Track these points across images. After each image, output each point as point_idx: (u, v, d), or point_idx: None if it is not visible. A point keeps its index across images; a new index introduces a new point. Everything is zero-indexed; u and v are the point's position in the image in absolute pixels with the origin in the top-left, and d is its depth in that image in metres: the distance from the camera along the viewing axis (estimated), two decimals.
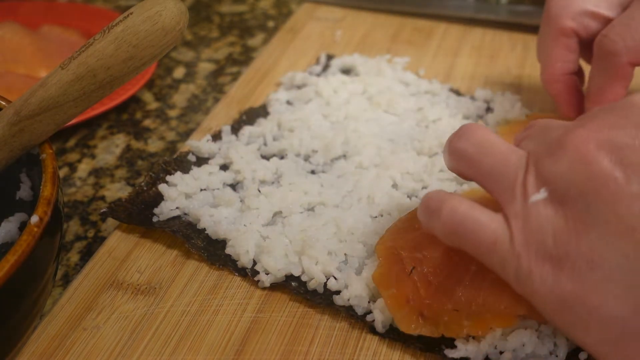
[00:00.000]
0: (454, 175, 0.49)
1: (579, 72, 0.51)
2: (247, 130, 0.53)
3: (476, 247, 0.33)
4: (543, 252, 0.31)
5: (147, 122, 0.60)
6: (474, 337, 0.37)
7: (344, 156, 0.51)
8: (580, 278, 0.30)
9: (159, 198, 0.47)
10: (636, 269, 0.29)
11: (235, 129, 0.54)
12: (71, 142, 0.58)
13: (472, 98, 0.58)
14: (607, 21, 0.47)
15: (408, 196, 0.47)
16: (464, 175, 0.37)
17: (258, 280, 0.42)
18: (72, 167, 0.55)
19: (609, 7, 0.47)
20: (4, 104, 0.39)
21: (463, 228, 0.33)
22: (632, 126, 0.30)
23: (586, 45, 0.49)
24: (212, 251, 0.43)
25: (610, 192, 0.29)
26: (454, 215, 0.34)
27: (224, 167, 0.50)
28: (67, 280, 0.44)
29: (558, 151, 0.32)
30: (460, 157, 0.36)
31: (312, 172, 0.50)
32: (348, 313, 0.39)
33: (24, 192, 0.40)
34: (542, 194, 0.32)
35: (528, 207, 0.32)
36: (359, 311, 0.39)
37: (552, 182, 0.32)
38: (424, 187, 0.48)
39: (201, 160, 0.51)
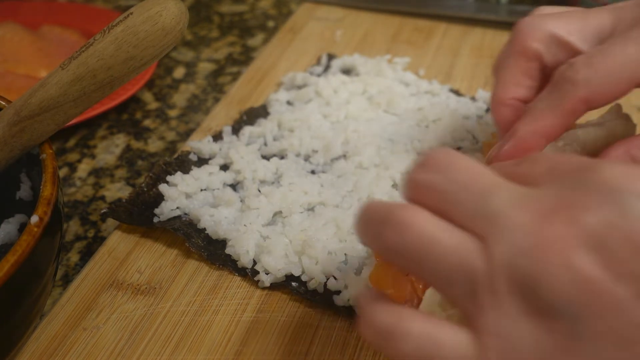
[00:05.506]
0: None
1: None
2: (247, 130, 0.53)
3: None
4: None
5: (147, 122, 0.60)
6: None
7: (344, 156, 0.51)
8: None
9: (159, 198, 0.47)
10: None
11: (236, 129, 0.54)
12: (71, 142, 0.58)
13: (472, 98, 0.58)
14: (577, 54, 0.39)
15: None
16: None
17: (258, 280, 0.42)
18: (72, 167, 0.55)
19: (582, 38, 0.40)
20: (4, 104, 0.39)
21: (424, 356, 0.27)
22: (607, 212, 0.25)
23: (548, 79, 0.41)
24: (212, 251, 0.44)
25: (602, 301, 0.24)
26: (410, 340, 0.27)
27: (224, 167, 0.50)
28: (67, 280, 0.44)
29: (535, 254, 0.25)
30: (395, 256, 0.28)
31: (312, 172, 0.50)
32: (348, 313, 0.39)
33: (24, 192, 0.40)
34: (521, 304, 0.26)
35: (502, 321, 0.26)
36: (359, 311, 0.39)
37: (532, 291, 0.25)
38: None
39: (201, 161, 0.51)
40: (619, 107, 0.42)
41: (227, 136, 0.53)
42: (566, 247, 0.25)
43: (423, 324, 0.27)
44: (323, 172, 0.50)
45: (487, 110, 0.57)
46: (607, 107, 0.43)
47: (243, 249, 0.42)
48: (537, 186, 0.27)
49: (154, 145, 0.57)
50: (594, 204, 0.25)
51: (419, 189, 0.28)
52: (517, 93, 0.41)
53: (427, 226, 0.27)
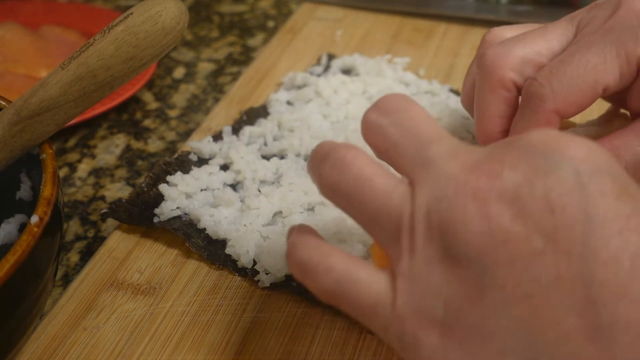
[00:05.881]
0: None
1: None
2: (247, 130, 0.53)
3: (356, 312, 0.28)
4: (432, 318, 0.26)
5: (147, 122, 0.60)
6: None
7: None
8: (471, 350, 0.26)
9: (159, 198, 0.47)
10: (532, 342, 0.25)
11: (236, 129, 0.54)
12: (71, 142, 0.58)
13: None
14: None
15: None
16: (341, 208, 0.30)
17: (258, 280, 0.42)
18: (72, 167, 0.55)
19: (551, 55, 0.39)
20: (4, 104, 0.39)
21: (340, 291, 0.28)
22: (529, 170, 0.25)
23: None
24: (212, 251, 0.44)
25: (508, 252, 0.25)
26: (329, 275, 0.28)
27: (225, 167, 0.50)
28: (67, 280, 0.44)
29: (453, 201, 0.26)
30: (331, 193, 0.29)
31: None
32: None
33: (24, 192, 0.40)
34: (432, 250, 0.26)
35: (416, 265, 0.27)
36: None
37: (446, 237, 0.26)
38: None
39: (201, 161, 0.51)
40: (617, 107, 0.42)
41: (227, 136, 0.53)
42: (483, 197, 0.25)
43: (345, 263, 0.28)
44: None
45: None
46: (607, 107, 0.43)
47: (243, 249, 0.42)
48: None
49: (154, 145, 0.57)
50: (517, 161, 0.26)
51: (370, 130, 0.30)
52: (504, 125, 0.41)
53: (364, 168, 0.28)
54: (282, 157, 0.51)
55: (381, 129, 0.29)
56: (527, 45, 0.40)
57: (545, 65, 0.39)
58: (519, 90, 0.40)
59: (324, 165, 0.29)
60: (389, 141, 0.29)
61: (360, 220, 0.29)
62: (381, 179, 0.28)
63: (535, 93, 0.37)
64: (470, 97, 0.43)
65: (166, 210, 0.46)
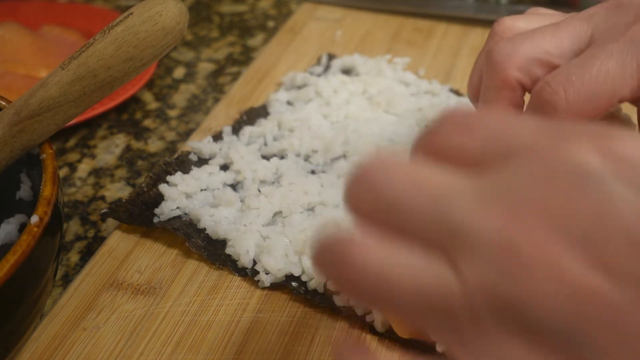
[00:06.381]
0: None
1: None
2: (247, 130, 0.53)
3: None
4: None
5: (147, 122, 0.60)
6: None
7: (344, 156, 0.51)
8: None
9: (159, 198, 0.47)
10: None
11: (236, 129, 0.54)
12: (71, 142, 0.58)
13: None
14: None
15: None
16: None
17: (258, 280, 0.42)
18: (72, 167, 0.55)
19: (561, 54, 0.38)
20: (4, 104, 0.39)
21: None
22: (591, 206, 0.20)
23: None
24: (212, 251, 0.44)
25: (598, 312, 0.20)
26: None
27: (225, 167, 0.50)
28: (67, 280, 0.44)
29: (515, 270, 0.21)
30: (355, 296, 0.25)
31: (312, 172, 0.50)
32: (348, 313, 0.39)
33: (24, 192, 0.40)
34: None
35: (493, 350, 0.22)
36: (359, 311, 0.39)
37: (521, 314, 0.21)
38: None
39: (201, 161, 0.51)
40: (618, 108, 0.42)
41: (227, 136, 0.53)
42: (549, 254, 0.20)
43: None
44: (323, 172, 0.50)
45: None
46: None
47: (243, 249, 0.42)
48: (486, 167, 0.23)
49: (154, 145, 0.57)
50: (572, 195, 0.20)
51: (362, 211, 0.24)
52: None
53: (384, 261, 0.23)
54: (282, 157, 0.51)
55: (376, 206, 0.23)
56: (535, 43, 0.38)
57: (552, 64, 0.37)
58: (525, 88, 0.39)
59: (338, 277, 0.24)
60: (392, 216, 0.23)
61: (400, 315, 0.24)
62: (407, 267, 0.23)
63: (548, 101, 0.35)
64: (475, 88, 0.42)
65: (166, 210, 0.46)
